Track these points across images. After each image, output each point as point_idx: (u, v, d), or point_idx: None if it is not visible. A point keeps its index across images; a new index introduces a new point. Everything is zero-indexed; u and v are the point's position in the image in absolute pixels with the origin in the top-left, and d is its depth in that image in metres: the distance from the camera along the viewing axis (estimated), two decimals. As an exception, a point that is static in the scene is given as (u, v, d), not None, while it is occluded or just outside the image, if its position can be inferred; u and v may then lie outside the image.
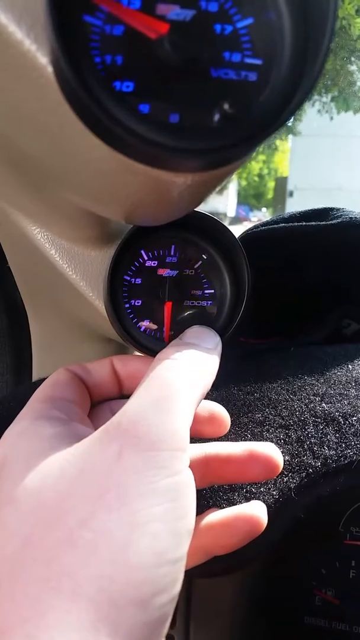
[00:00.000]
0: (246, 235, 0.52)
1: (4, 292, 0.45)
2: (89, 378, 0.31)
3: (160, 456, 0.22)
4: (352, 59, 5.95)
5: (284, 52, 0.21)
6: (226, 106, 0.21)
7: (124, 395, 0.32)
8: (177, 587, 0.21)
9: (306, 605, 0.43)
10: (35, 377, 0.42)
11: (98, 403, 0.32)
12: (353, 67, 6.10)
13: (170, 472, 0.22)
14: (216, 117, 0.21)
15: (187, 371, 0.26)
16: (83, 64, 0.18)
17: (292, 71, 0.21)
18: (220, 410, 0.33)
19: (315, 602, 0.43)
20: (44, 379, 0.34)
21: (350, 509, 0.42)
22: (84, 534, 0.20)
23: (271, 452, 0.31)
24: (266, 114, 0.21)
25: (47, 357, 0.42)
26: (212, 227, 0.35)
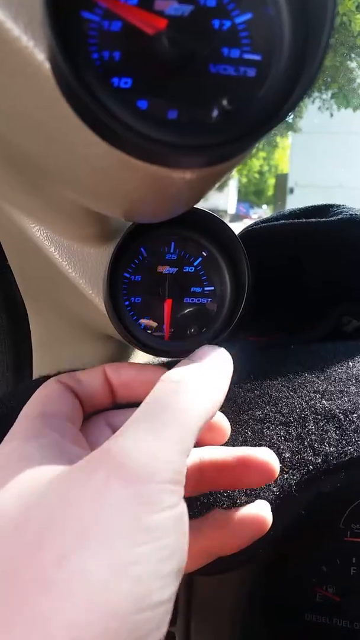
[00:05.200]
0: (246, 232, 0.52)
1: (4, 290, 0.45)
2: (80, 389, 0.30)
3: (150, 489, 0.20)
4: (352, 55, 5.93)
5: (283, 48, 0.21)
6: (225, 102, 0.21)
7: (117, 404, 0.31)
8: (162, 630, 0.20)
9: (307, 602, 0.43)
10: (35, 374, 0.42)
11: (91, 414, 0.31)
12: (353, 64, 6.07)
13: (160, 507, 0.20)
14: (215, 113, 0.21)
15: (191, 395, 0.24)
16: (80, 61, 0.18)
17: (291, 67, 0.21)
18: (220, 419, 0.32)
19: (316, 599, 0.43)
20: (44, 377, 0.34)
21: (351, 506, 0.42)
22: (60, 575, 0.18)
23: (267, 457, 0.30)
24: (265, 110, 0.21)
25: (47, 355, 0.42)
26: (212, 224, 0.35)
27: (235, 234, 0.35)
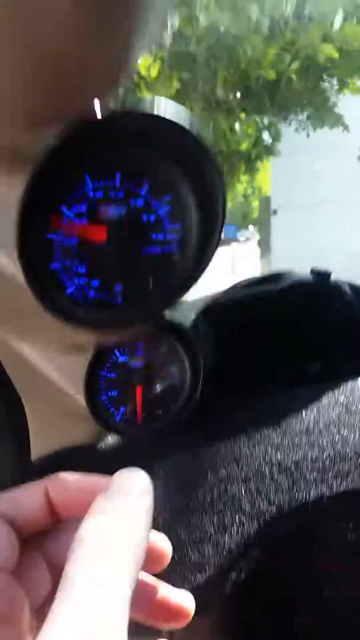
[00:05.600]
0: (210, 305, 0.60)
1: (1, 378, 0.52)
2: (19, 514, 0.26)
3: None
4: (324, 76, 6.14)
5: (192, 230, 0.30)
6: (152, 279, 0.29)
7: (57, 525, 0.28)
8: None
9: (281, 630, 0.48)
10: (34, 454, 0.49)
11: (29, 541, 0.26)
12: (326, 84, 6.27)
13: None
14: (150, 284, 0.29)
15: (106, 557, 0.20)
16: (43, 274, 0.27)
17: (198, 241, 0.30)
18: (158, 543, 0.28)
19: (290, 627, 0.49)
20: (42, 459, 0.41)
21: (316, 540, 0.48)
22: None
23: (182, 601, 0.28)
24: (184, 277, 0.30)
25: (43, 437, 0.49)
26: (172, 328, 0.43)
27: (191, 334, 0.43)
